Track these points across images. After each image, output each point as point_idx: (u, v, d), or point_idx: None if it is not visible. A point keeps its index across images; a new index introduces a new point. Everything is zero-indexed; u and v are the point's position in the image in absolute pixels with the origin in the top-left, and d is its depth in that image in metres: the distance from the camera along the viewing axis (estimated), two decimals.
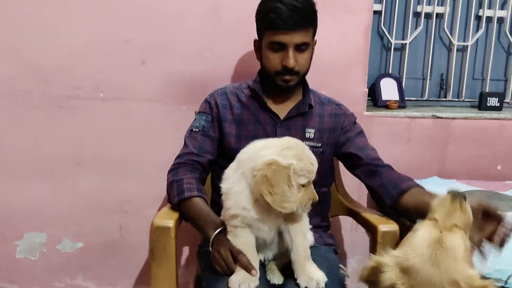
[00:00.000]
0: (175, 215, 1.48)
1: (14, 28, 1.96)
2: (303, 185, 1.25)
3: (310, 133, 1.68)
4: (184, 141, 1.68)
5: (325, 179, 1.73)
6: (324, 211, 1.76)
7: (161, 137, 2.10)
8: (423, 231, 1.13)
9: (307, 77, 1.71)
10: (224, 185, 1.32)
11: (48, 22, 1.96)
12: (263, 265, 1.42)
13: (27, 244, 2.14)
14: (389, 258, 1.13)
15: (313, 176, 1.27)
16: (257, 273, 1.30)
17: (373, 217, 1.58)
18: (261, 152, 1.25)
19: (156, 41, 2.02)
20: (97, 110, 2.05)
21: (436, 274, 1.07)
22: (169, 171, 1.63)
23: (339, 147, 1.72)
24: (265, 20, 1.57)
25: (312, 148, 1.63)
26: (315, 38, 1.67)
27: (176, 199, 1.51)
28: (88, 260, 2.19)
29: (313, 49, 1.67)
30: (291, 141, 1.29)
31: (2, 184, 2.07)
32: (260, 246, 1.39)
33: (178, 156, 1.66)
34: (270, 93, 1.70)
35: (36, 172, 2.08)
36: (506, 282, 1.37)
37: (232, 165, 1.34)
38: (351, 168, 1.73)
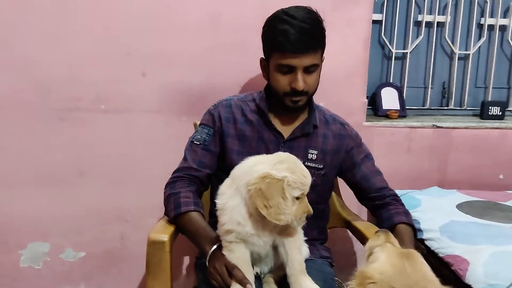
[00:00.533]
0: (171, 229, 1.50)
1: (16, 41, 1.98)
2: (297, 198, 1.26)
3: (313, 154, 1.66)
4: (184, 153, 1.68)
5: (324, 197, 1.74)
6: (321, 225, 1.76)
7: (161, 148, 2.12)
8: (388, 249, 1.17)
9: None
10: (219, 201, 1.34)
11: (49, 34, 1.99)
12: (259, 278, 1.44)
13: (31, 253, 2.17)
14: (375, 270, 1.14)
15: (306, 188, 1.28)
16: (252, 287, 1.31)
17: (367, 230, 1.59)
18: (255, 167, 1.28)
19: (156, 52, 2.04)
20: (98, 121, 2.08)
21: (411, 279, 1.09)
22: (167, 185, 1.63)
23: (345, 171, 1.71)
24: (273, 42, 1.53)
25: (314, 169, 1.64)
26: (323, 57, 1.66)
27: (172, 213, 1.52)
28: (90, 269, 2.22)
29: (321, 67, 1.65)
30: (282, 155, 1.31)
31: (6, 194, 2.10)
32: (255, 259, 1.40)
33: (177, 170, 1.66)
34: (276, 111, 1.67)
35: (38, 182, 2.11)
36: None
37: (227, 181, 1.36)
38: (358, 198, 1.75)
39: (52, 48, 2.01)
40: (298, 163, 1.30)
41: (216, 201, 1.34)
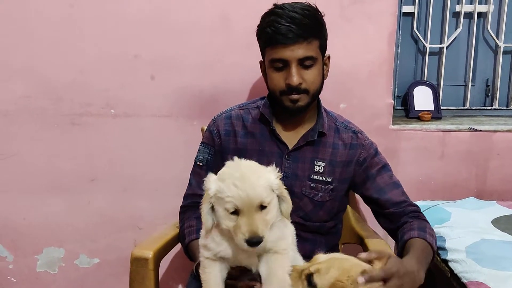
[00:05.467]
0: (157, 245, 1.43)
1: (28, 48, 1.97)
2: (233, 213, 1.08)
3: (319, 166, 1.51)
4: (190, 177, 1.61)
5: (333, 215, 1.58)
6: (331, 242, 1.60)
7: (172, 154, 2.04)
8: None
9: (324, 93, 1.55)
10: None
11: (59, 40, 1.97)
12: None
13: (47, 259, 2.17)
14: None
15: (246, 205, 1.06)
16: None
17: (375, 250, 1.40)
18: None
19: (164, 55, 1.97)
20: (109, 126, 2.03)
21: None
22: (179, 214, 1.62)
23: (358, 186, 1.55)
24: (263, 36, 1.45)
25: (322, 183, 1.51)
26: (327, 53, 1.51)
27: (183, 246, 1.51)
28: (104, 276, 2.18)
29: (326, 65, 1.52)
30: (240, 162, 1.15)
31: (21, 199, 2.10)
32: None
33: (184, 197, 1.62)
34: (280, 119, 1.55)
35: (52, 188, 2.09)
36: None
37: None
38: (376, 217, 1.58)
39: (62, 53, 1.98)
40: (245, 172, 1.09)
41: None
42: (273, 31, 1.40)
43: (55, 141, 2.06)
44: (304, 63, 1.42)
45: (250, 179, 1.07)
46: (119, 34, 1.96)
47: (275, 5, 1.44)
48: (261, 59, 1.55)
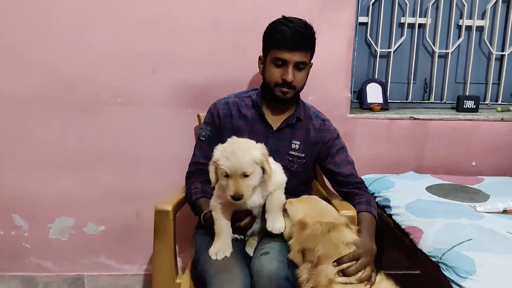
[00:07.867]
0: (174, 200, 1.83)
1: (42, 43, 2.30)
2: (226, 176, 1.52)
3: (296, 144, 1.96)
4: (194, 149, 2.01)
5: (305, 182, 2.04)
6: None
7: (170, 136, 2.43)
8: (294, 203, 1.71)
9: None
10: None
11: (71, 37, 2.30)
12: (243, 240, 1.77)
13: (58, 227, 2.51)
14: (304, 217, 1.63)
15: (233, 172, 1.49)
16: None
17: (339, 204, 1.85)
18: None
19: (164, 53, 2.35)
20: (116, 113, 2.40)
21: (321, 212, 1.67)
22: (185, 179, 2.00)
23: (321, 160, 1.99)
24: (272, 39, 1.85)
25: (297, 158, 1.96)
26: (311, 61, 1.94)
27: (190, 204, 1.91)
28: (109, 241, 2.55)
29: (308, 70, 1.95)
30: (235, 139, 1.60)
31: (37, 175, 2.44)
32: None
33: (190, 165, 2.00)
34: (269, 106, 1.97)
35: (64, 166, 2.44)
36: (440, 258, 1.64)
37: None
38: (330, 182, 2.03)
39: (74, 49, 2.32)
40: (235, 149, 1.52)
41: None
42: (282, 37, 1.81)
43: (67, 126, 2.40)
44: (298, 66, 1.85)
45: (237, 155, 1.51)
46: (125, 34, 2.33)
47: (284, 17, 1.86)
48: (260, 55, 1.95)
